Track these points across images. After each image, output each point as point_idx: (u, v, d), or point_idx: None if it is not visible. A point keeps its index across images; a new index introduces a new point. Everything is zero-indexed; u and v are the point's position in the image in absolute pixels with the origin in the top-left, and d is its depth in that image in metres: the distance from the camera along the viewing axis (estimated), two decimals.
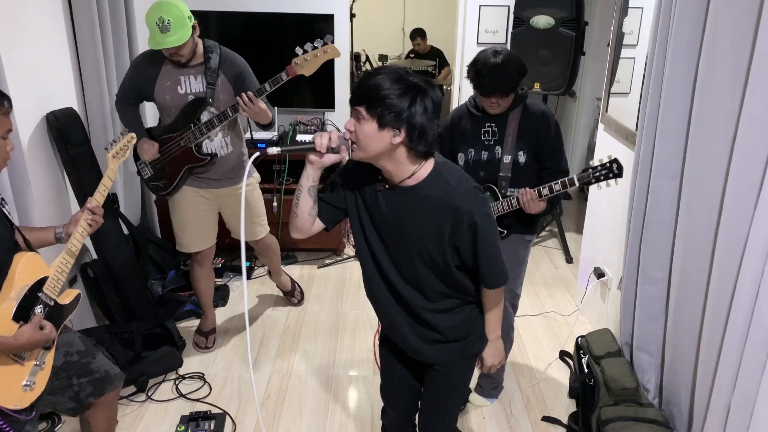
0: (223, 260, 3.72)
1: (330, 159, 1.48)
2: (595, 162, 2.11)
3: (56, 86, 2.73)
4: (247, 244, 3.08)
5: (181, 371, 2.77)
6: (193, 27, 2.39)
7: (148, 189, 2.85)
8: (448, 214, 1.50)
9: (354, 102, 1.42)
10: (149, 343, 2.75)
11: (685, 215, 2.04)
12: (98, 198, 1.85)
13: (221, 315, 3.29)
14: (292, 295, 3.37)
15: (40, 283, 1.68)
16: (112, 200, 2.94)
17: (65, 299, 1.78)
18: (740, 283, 1.65)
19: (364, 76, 1.47)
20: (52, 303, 1.71)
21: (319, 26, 3.79)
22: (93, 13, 2.79)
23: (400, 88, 1.39)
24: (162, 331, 2.82)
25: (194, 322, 3.19)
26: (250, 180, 2.82)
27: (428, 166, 1.51)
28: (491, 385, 2.63)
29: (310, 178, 1.53)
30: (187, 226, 2.77)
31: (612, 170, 2.07)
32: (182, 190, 2.69)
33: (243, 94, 2.37)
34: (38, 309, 1.66)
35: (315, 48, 2.30)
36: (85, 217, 1.81)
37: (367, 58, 5.96)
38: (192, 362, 2.85)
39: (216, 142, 2.60)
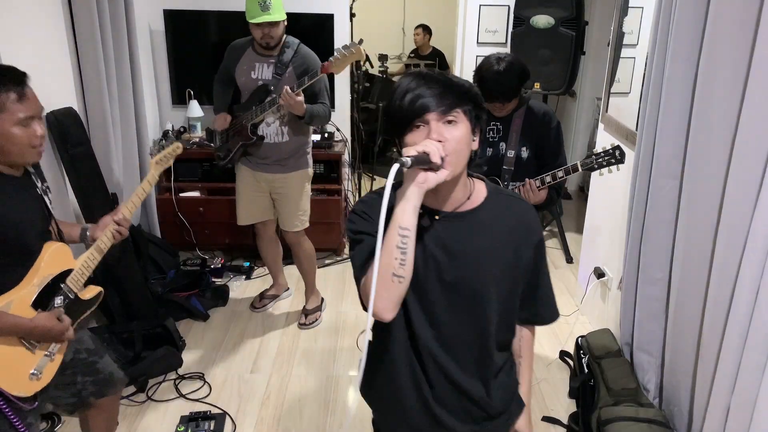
0: (223, 260, 3.73)
1: (443, 176, 1.10)
2: (598, 149, 2.18)
3: (56, 86, 2.73)
4: (283, 243, 3.25)
5: (181, 371, 2.77)
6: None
7: (214, 157, 3.11)
8: (523, 233, 1.27)
9: (442, 104, 1.13)
10: (149, 343, 2.75)
11: (686, 215, 2.04)
12: (129, 208, 1.83)
13: (221, 315, 3.29)
14: (306, 315, 3.21)
15: (65, 274, 1.70)
16: (112, 200, 2.94)
17: (87, 294, 1.79)
18: (740, 283, 1.64)
19: (422, 77, 1.16)
20: (72, 296, 1.72)
21: (319, 26, 3.78)
22: (93, 13, 2.79)
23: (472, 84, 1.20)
24: (162, 331, 2.82)
25: (194, 323, 3.20)
26: (302, 173, 2.97)
27: (479, 182, 1.29)
28: None
29: (416, 210, 1.10)
30: (240, 200, 3.06)
31: (615, 156, 2.15)
32: (240, 167, 2.98)
33: (284, 87, 2.60)
34: (58, 300, 1.67)
35: (346, 48, 2.51)
36: (111, 227, 1.81)
37: (367, 58, 5.95)
38: (192, 362, 2.85)
39: (272, 128, 2.83)
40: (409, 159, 1.05)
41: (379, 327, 1.31)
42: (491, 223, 1.24)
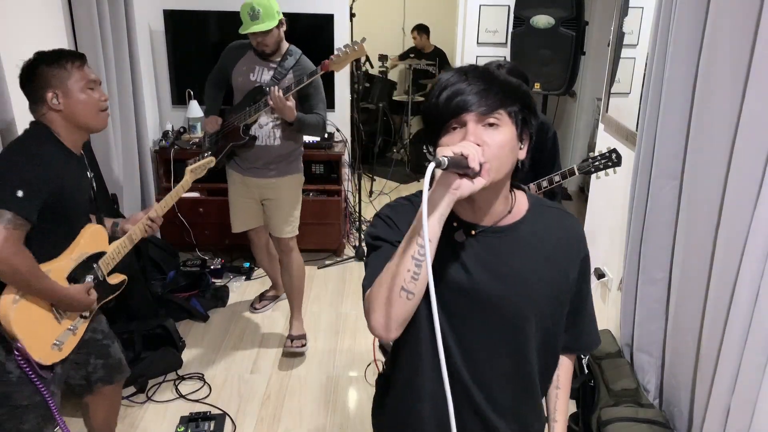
0: (222, 260, 3.73)
1: (479, 185, 0.96)
2: (595, 152, 2.19)
3: None
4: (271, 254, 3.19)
5: (181, 372, 2.77)
6: (280, 22, 2.64)
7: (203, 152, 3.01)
8: (569, 249, 1.14)
9: (483, 103, 0.99)
10: (149, 344, 2.75)
11: (686, 215, 2.03)
12: (162, 207, 1.97)
13: (221, 315, 3.29)
14: (291, 340, 2.97)
15: (98, 255, 1.82)
16: (112, 200, 2.94)
17: (114, 279, 1.92)
18: (740, 283, 1.64)
19: (464, 72, 1.03)
20: (101, 277, 1.84)
21: (319, 26, 3.78)
22: (93, 13, 2.79)
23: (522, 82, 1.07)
24: (162, 331, 2.82)
25: (194, 323, 3.20)
26: (295, 177, 2.90)
27: (520, 193, 1.16)
28: None
29: (442, 219, 0.96)
30: (232, 207, 3.00)
31: (611, 159, 2.15)
32: (230, 172, 2.91)
33: (274, 87, 2.53)
34: (89, 278, 1.79)
35: (347, 46, 2.48)
36: (144, 221, 1.94)
37: (367, 58, 5.96)
38: (192, 363, 2.85)
39: (264, 130, 2.74)
40: (446, 159, 0.91)
41: (400, 353, 1.17)
42: (535, 239, 1.11)
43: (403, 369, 1.17)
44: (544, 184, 2.23)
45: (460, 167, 0.93)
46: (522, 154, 1.06)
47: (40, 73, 1.70)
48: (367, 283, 1.06)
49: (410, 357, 1.14)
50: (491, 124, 1.00)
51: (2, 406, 1.64)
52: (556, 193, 2.35)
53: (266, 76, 2.72)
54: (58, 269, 1.70)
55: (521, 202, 1.14)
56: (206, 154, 2.88)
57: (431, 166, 0.91)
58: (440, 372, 0.90)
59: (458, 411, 1.01)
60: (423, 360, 1.12)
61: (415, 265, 0.96)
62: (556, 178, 2.22)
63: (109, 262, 1.86)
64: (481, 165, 0.94)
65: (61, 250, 1.73)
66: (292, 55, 2.72)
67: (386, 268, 0.99)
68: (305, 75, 2.57)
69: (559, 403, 1.26)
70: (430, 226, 0.93)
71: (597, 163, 2.17)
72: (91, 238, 1.80)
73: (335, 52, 2.50)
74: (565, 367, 1.27)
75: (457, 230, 1.09)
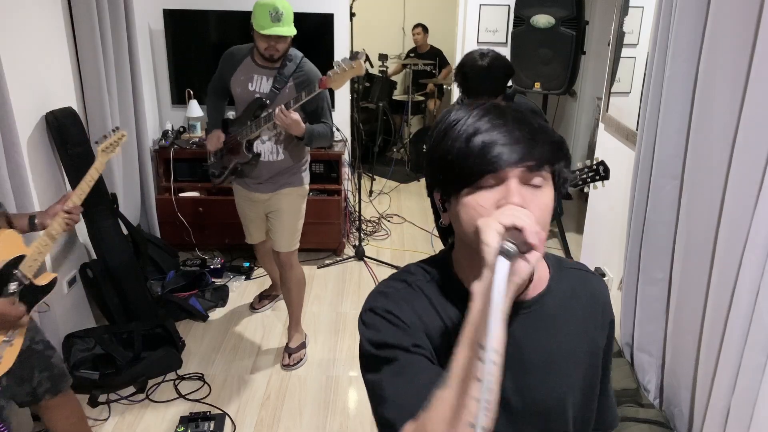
0: (222, 260, 3.73)
1: (535, 259, 0.73)
2: (582, 164, 2.16)
3: (56, 86, 2.72)
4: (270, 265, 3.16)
5: (181, 372, 2.77)
6: None
7: (209, 174, 2.89)
8: (598, 317, 0.97)
9: (531, 157, 0.79)
10: (149, 344, 2.75)
11: (686, 215, 2.03)
12: (79, 195, 1.86)
13: (221, 315, 3.28)
14: (290, 355, 2.89)
15: (17, 260, 1.72)
16: (111, 200, 2.94)
17: (42, 281, 1.81)
18: (740, 283, 1.64)
19: (499, 117, 0.82)
20: (27, 282, 1.74)
21: (319, 26, 3.78)
22: (93, 13, 2.79)
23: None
24: (162, 331, 2.81)
25: (194, 323, 3.19)
26: (296, 190, 2.75)
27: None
28: None
29: (506, 319, 0.70)
30: (243, 219, 2.95)
31: (598, 172, 2.12)
32: (236, 187, 2.83)
33: (277, 107, 2.40)
34: (13, 286, 1.69)
35: (345, 62, 2.32)
36: (61, 216, 1.82)
37: (367, 58, 5.94)
38: (191, 363, 2.85)
39: (267, 146, 2.62)
40: (514, 246, 0.71)
41: None
42: (562, 312, 0.92)
43: None
44: None
45: (520, 247, 0.72)
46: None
47: None
48: (398, 417, 0.79)
49: None
50: (536, 185, 0.80)
51: None
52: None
53: (265, 85, 2.57)
54: None
55: (542, 268, 0.94)
56: (211, 172, 2.81)
57: (502, 263, 0.70)
58: None
59: None
60: None
61: (487, 390, 0.67)
62: None
63: (32, 265, 1.76)
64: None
65: None
66: (292, 61, 2.56)
67: (438, 400, 0.73)
68: (304, 91, 2.42)
69: None
70: (498, 333, 0.68)
71: (584, 176, 2.13)
72: (4, 244, 1.70)
73: (333, 68, 2.33)
74: None
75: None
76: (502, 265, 0.69)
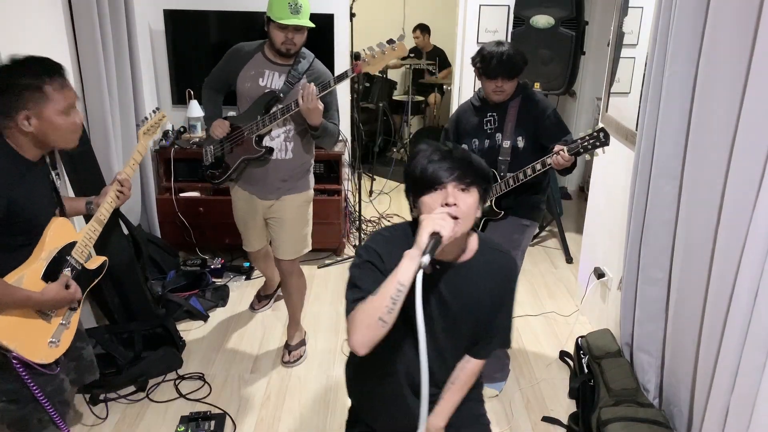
0: (223, 260, 3.73)
1: (447, 239, 1.30)
2: (583, 133, 2.24)
3: None
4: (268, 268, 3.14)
5: (181, 371, 2.77)
6: None
7: (205, 176, 2.80)
8: (504, 282, 1.51)
9: (461, 178, 1.34)
10: (149, 343, 2.75)
11: (685, 215, 2.04)
12: (128, 171, 1.97)
13: (221, 315, 3.29)
14: (290, 352, 2.89)
15: (69, 247, 1.80)
16: None
17: (92, 265, 1.91)
18: (740, 283, 1.65)
19: (444, 157, 1.36)
20: (79, 267, 1.83)
21: (319, 26, 3.78)
22: (93, 13, 2.79)
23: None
24: (162, 331, 2.82)
25: (194, 323, 3.20)
26: (303, 195, 2.71)
27: (473, 235, 1.48)
28: (494, 370, 2.65)
29: (417, 269, 1.27)
30: (241, 225, 2.89)
31: (599, 138, 2.19)
32: (235, 190, 2.76)
33: (309, 84, 2.35)
34: (66, 271, 1.77)
35: (381, 46, 2.32)
36: (114, 188, 1.93)
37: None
38: (192, 362, 2.85)
39: (276, 142, 2.57)
40: (428, 258, 1.23)
41: (376, 348, 1.40)
42: (480, 273, 1.46)
43: (378, 354, 1.40)
44: (528, 172, 2.31)
45: (437, 244, 1.25)
46: (479, 214, 1.39)
47: (15, 88, 1.57)
48: (352, 298, 1.36)
49: (388, 347, 1.41)
50: (463, 189, 1.34)
51: (21, 402, 1.69)
52: (548, 174, 2.41)
53: (278, 81, 2.52)
54: (31, 273, 1.67)
55: (474, 241, 1.48)
56: (209, 172, 2.75)
57: (420, 275, 1.23)
58: (414, 355, 1.33)
59: (413, 377, 1.49)
60: (402, 348, 1.49)
61: (392, 303, 1.26)
62: (537, 167, 2.28)
63: (83, 250, 1.84)
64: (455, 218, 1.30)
65: (26, 256, 1.69)
66: (306, 58, 2.55)
67: (369, 301, 1.29)
68: (332, 79, 2.40)
69: (451, 393, 1.61)
70: (408, 275, 1.26)
71: (585, 143, 2.20)
72: (56, 232, 1.76)
73: (367, 51, 2.34)
74: (472, 367, 1.60)
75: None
76: (419, 276, 1.23)
